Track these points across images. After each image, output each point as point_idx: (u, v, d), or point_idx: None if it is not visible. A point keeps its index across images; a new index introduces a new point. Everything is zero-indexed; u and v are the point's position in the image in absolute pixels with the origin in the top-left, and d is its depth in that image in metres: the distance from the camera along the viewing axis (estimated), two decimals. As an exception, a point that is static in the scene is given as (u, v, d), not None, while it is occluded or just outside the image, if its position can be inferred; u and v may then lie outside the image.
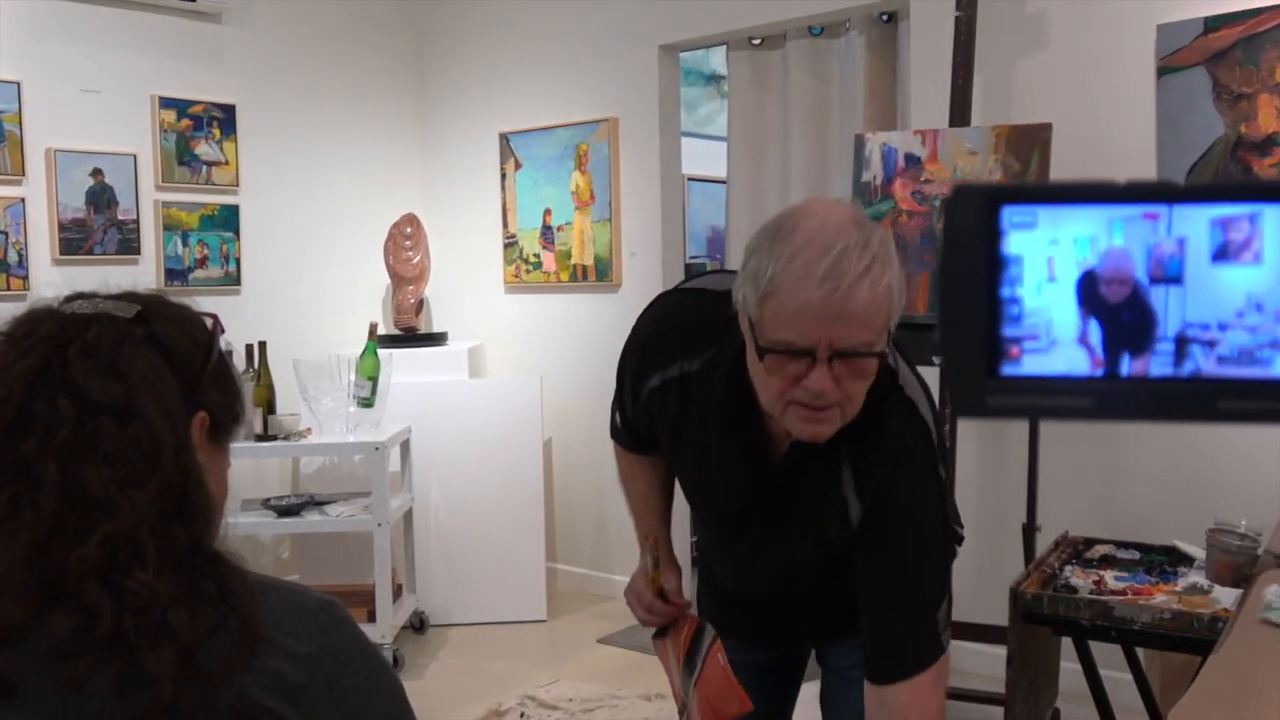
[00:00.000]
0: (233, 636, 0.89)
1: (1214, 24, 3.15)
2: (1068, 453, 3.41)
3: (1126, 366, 0.41)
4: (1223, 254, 0.41)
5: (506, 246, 5.00)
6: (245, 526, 3.99)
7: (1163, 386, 0.41)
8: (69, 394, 0.91)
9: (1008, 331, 0.41)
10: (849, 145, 3.70)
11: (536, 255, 4.89)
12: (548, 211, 4.83)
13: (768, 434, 1.53)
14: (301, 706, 0.92)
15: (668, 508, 1.83)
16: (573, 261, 4.77)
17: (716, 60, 6.05)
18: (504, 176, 4.98)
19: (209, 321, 1.05)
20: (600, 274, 4.66)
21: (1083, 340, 0.41)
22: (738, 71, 4.39)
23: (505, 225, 4.99)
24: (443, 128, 5.25)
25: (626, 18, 4.50)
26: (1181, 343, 0.41)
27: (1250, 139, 3.12)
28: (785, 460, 1.53)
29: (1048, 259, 0.41)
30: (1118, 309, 0.40)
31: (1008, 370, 0.41)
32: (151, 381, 0.95)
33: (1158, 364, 0.41)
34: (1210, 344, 0.40)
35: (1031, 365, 0.41)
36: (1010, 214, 0.41)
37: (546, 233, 4.85)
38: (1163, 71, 3.24)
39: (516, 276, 4.98)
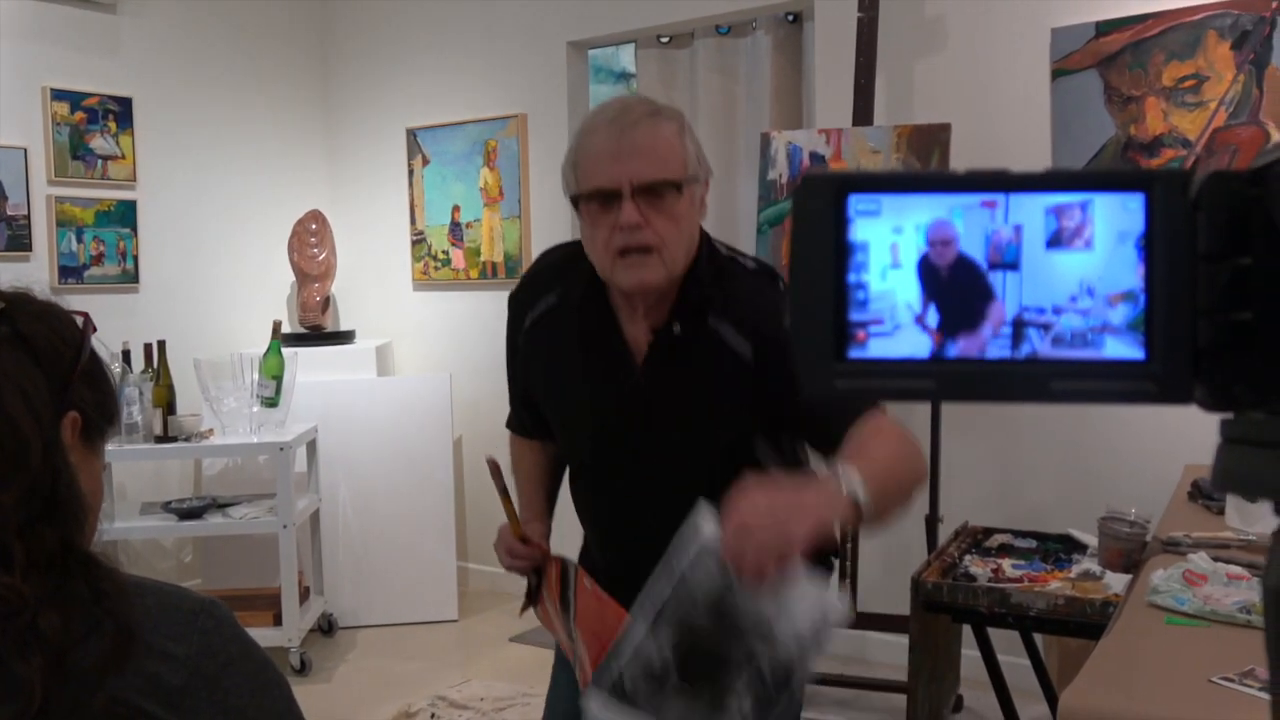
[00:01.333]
0: (106, 639, 0.87)
1: (1105, 29, 3.25)
2: (969, 445, 3.49)
3: (966, 349, 0.42)
4: (1056, 240, 0.42)
5: (414, 243, 4.95)
6: (146, 530, 3.89)
7: (1000, 368, 0.42)
8: None
9: (854, 316, 0.42)
10: (755, 143, 3.74)
11: (445, 252, 4.85)
12: (456, 208, 4.80)
13: (627, 342, 1.59)
14: (181, 709, 0.91)
15: (554, 485, 1.86)
16: (482, 259, 4.74)
17: (626, 58, 6.06)
18: (411, 172, 4.93)
19: (79, 319, 1.03)
20: (510, 271, 4.64)
21: (922, 322, 0.42)
22: (646, 69, 4.40)
23: (413, 222, 4.94)
24: (349, 122, 5.17)
25: (535, 14, 4.48)
26: (1018, 326, 0.42)
27: (1139, 140, 3.23)
28: (647, 361, 1.57)
29: (892, 245, 0.42)
30: (952, 285, 0.42)
31: (854, 353, 0.42)
32: (15, 380, 0.92)
33: (996, 346, 0.42)
34: (1045, 327, 0.42)
35: (877, 349, 0.42)
36: (856, 202, 0.42)
37: (455, 229, 4.81)
38: (1056, 74, 3.34)
39: (425, 274, 4.93)
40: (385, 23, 4.99)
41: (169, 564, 4.56)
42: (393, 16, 4.96)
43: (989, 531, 2.86)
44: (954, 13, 3.54)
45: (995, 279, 0.42)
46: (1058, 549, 2.71)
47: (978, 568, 2.55)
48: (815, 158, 3.36)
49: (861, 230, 0.42)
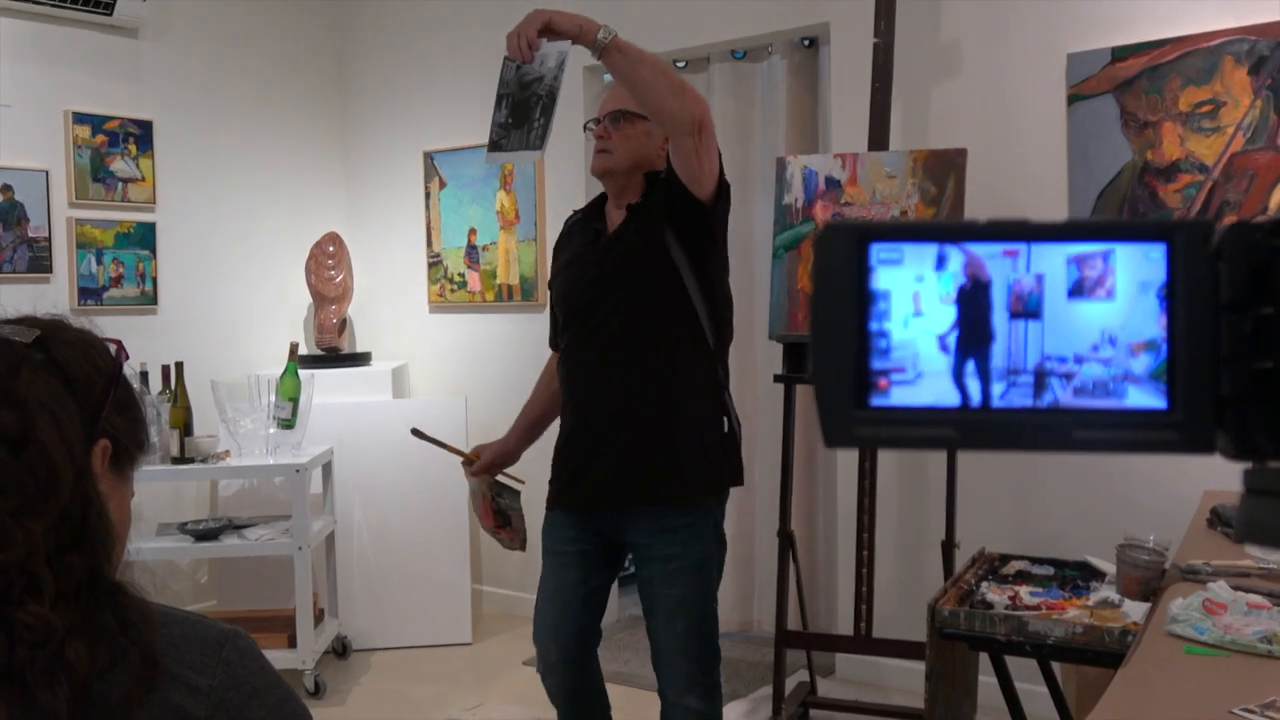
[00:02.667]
0: (132, 669, 0.88)
1: (1121, 54, 3.26)
2: (985, 470, 3.48)
3: (988, 398, 0.42)
4: (1078, 290, 0.43)
5: (431, 266, 4.97)
6: (162, 551, 3.91)
7: (1022, 417, 0.42)
8: None
9: (876, 364, 0.43)
10: (771, 167, 3.75)
11: (461, 275, 4.87)
12: (472, 231, 4.82)
13: (607, 218, 2.47)
14: None
15: (546, 410, 2.65)
16: (498, 281, 4.75)
17: (643, 81, 6.10)
18: (428, 195, 4.96)
19: (112, 347, 1.03)
20: (525, 294, 4.65)
21: (946, 373, 0.42)
22: (662, 93, 4.42)
23: (429, 244, 4.97)
24: (366, 146, 5.21)
25: (552, 38, 4.51)
26: (1040, 375, 0.42)
27: (1156, 165, 3.23)
28: (619, 227, 2.41)
29: (914, 294, 0.43)
30: (975, 331, 0.42)
31: (876, 401, 0.43)
32: (49, 408, 0.93)
33: (1018, 395, 0.42)
34: (1067, 376, 0.42)
35: (899, 397, 0.43)
36: (878, 251, 0.42)
37: (471, 252, 4.83)
38: (1073, 99, 3.34)
39: (441, 296, 4.95)
40: (402, 48, 5.03)
41: (184, 585, 4.57)
42: (410, 40, 5.00)
43: (1006, 558, 2.84)
44: (970, 38, 3.54)
45: (1017, 328, 0.42)
46: (1075, 576, 2.69)
47: (995, 595, 2.54)
48: (830, 182, 3.36)
49: (883, 279, 0.42)
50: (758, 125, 4.21)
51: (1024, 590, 2.58)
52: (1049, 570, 2.74)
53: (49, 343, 0.97)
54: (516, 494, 2.74)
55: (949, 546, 3.24)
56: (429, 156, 4.93)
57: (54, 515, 0.89)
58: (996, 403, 0.42)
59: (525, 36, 2.12)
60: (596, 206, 2.50)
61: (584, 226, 2.50)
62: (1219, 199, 3.15)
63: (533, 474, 2.72)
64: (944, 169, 3.21)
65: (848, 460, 3.69)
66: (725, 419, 2.41)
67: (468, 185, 4.82)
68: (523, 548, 2.79)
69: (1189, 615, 1.79)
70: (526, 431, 2.67)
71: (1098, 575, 2.67)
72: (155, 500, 4.40)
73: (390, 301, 5.13)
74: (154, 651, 0.90)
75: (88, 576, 0.90)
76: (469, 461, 2.69)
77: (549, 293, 2.56)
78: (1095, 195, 3.32)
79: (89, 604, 0.89)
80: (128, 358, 1.05)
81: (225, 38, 4.79)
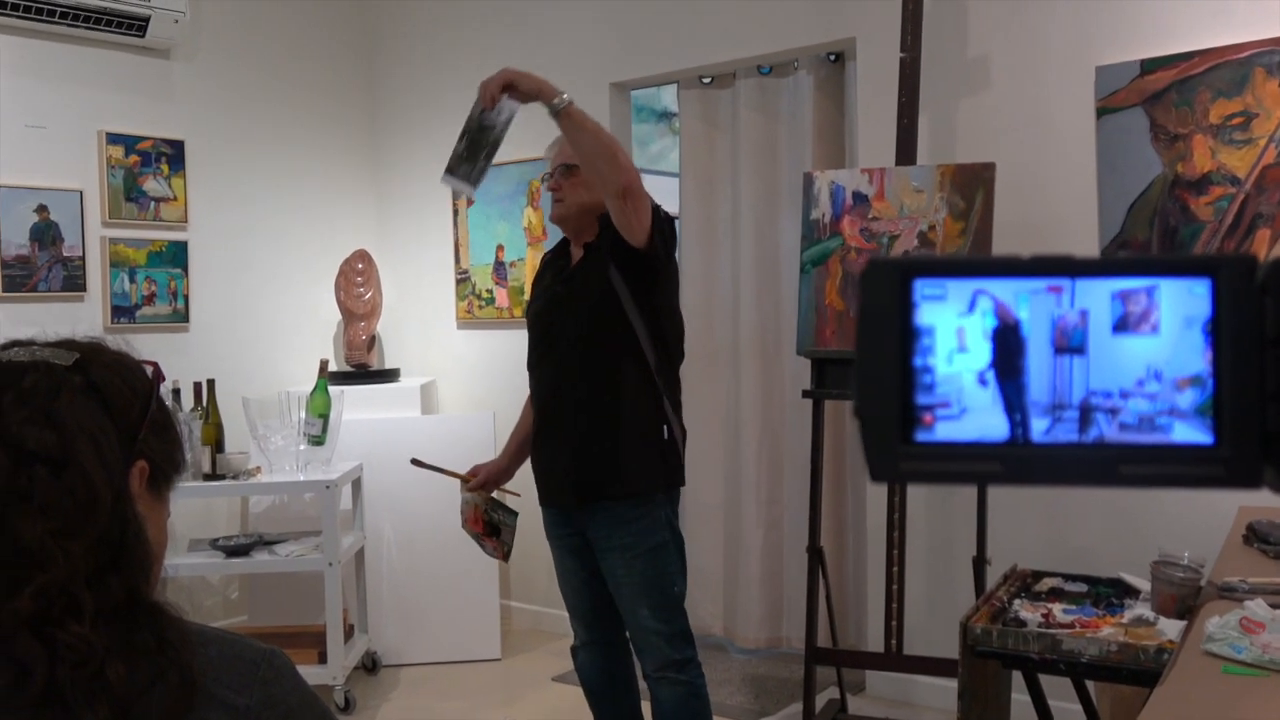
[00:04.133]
0: (170, 689, 0.89)
1: (1150, 66, 3.24)
2: (1016, 487, 3.45)
3: (1033, 433, 0.43)
4: (1123, 325, 0.43)
5: (459, 282, 5.00)
6: (193, 567, 3.94)
7: (1068, 452, 0.42)
8: (2, 443, 0.90)
9: (921, 399, 0.43)
10: (798, 182, 3.75)
11: (489, 291, 4.89)
12: (500, 247, 4.84)
13: (571, 255, 2.82)
14: None
15: (532, 422, 2.93)
16: (525, 297, 4.77)
17: (668, 98, 6.12)
18: (456, 213, 4.98)
19: (149, 369, 1.05)
20: (553, 310, 4.67)
21: (991, 408, 0.43)
22: (688, 109, 4.44)
23: (457, 261, 5.00)
24: (394, 163, 5.25)
25: (578, 57, 4.53)
26: (1086, 410, 0.42)
27: (1186, 178, 3.20)
28: (577, 263, 2.77)
29: (958, 329, 0.43)
30: (1016, 367, 0.42)
31: (921, 436, 0.43)
32: (89, 430, 0.94)
33: (1063, 430, 0.42)
34: (1113, 411, 0.42)
35: (944, 432, 0.43)
36: (922, 286, 0.43)
37: (499, 269, 4.85)
38: (1102, 112, 3.32)
39: (469, 312, 4.97)
40: (429, 64, 5.07)
41: (215, 600, 4.60)
42: (436, 58, 5.04)
43: (1038, 575, 2.82)
44: (997, 52, 3.54)
45: (1062, 364, 0.42)
46: (1109, 593, 2.67)
47: (1028, 612, 2.52)
48: (858, 197, 3.36)
49: (927, 314, 0.42)
50: (784, 140, 4.21)
51: (1057, 607, 2.56)
52: (1082, 587, 2.72)
53: (88, 366, 0.98)
54: (514, 513, 3.09)
55: (980, 562, 3.21)
56: (457, 174, 4.96)
57: (93, 536, 0.91)
58: (1042, 438, 0.42)
59: (490, 89, 2.48)
60: (565, 244, 2.89)
61: (554, 261, 2.90)
62: (1251, 211, 3.13)
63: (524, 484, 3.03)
64: (972, 183, 3.21)
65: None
66: (665, 426, 2.73)
67: (495, 203, 4.84)
68: (505, 559, 3.13)
69: (1226, 634, 1.77)
70: (517, 451, 3.04)
71: (1132, 592, 2.65)
72: (187, 516, 4.43)
73: (419, 318, 5.16)
74: (192, 671, 0.91)
75: (126, 596, 0.91)
76: (466, 480, 3.06)
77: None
78: (1125, 208, 3.30)
79: (128, 624, 0.90)
80: (164, 379, 1.07)
81: (256, 59, 4.84)
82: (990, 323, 0.43)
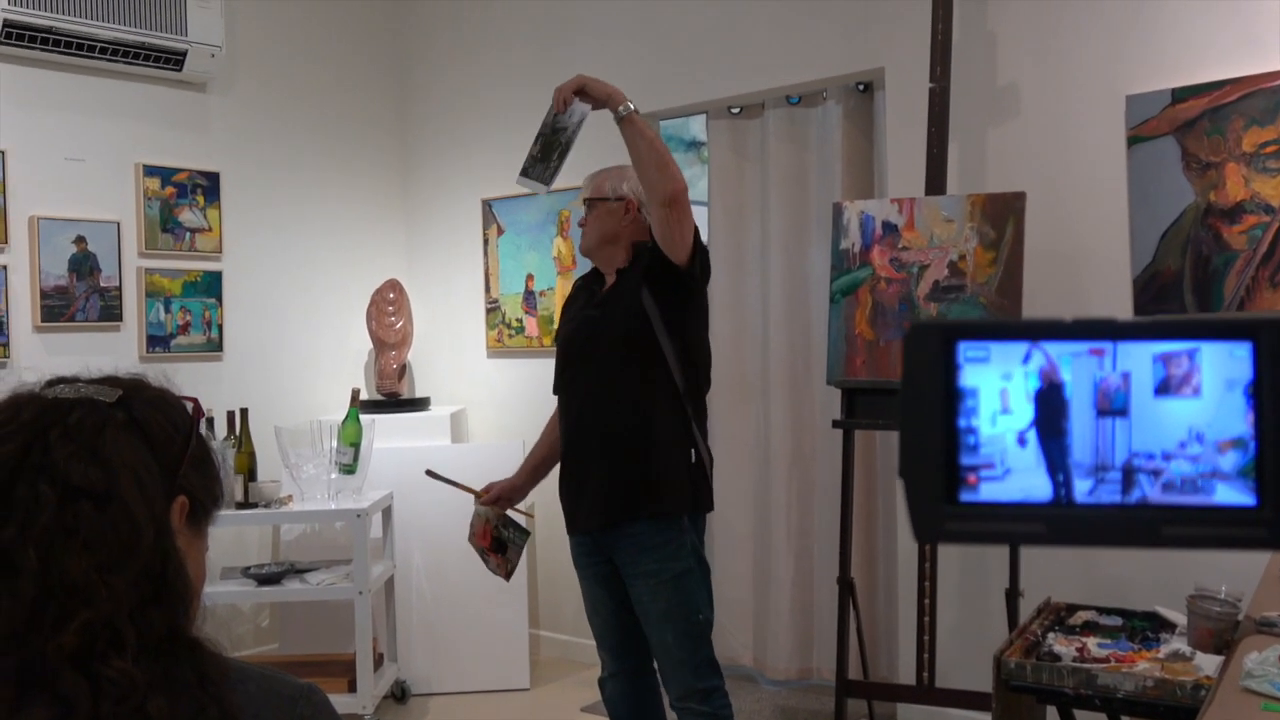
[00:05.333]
0: None
1: (1181, 95, 3.23)
2: (1049, 516, 3.42)
3: (1076, 493, 0.43)
4: (1165, 388, 0.43)
5: (489, 311, 5.03)
6: (225, 595, 3.96)
7: (1111, 513, 0.43)
8: (50, 479, 0.92)
9: (965, 460, 0.44)
10: (827, 212, 3.76)
11: (519, 320, 4.92)
12: (530, 277, 4.88)
13: (605, 280, 2.89)
14: None
15: (550, 454, 3.04)
16: (555, 326, 4.79)
17: (697, 127, 6.14)
18: (486, 242, 5.02)
19: (189, 405, 1.07)
20: (582, 338, 4.69)
21: (1035, 469, 0.43)
22: (717, 139, 4.46)
23: (488, 290, 5.03)
24: (425, 193, 5.30)
25: (608, 87, 4.56)
26: (1128, 471, 0.43)
27: (1219, 206, 3.19)
28: (610, 287, 2.86)
29: (1001, 391, 0.44)
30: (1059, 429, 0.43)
31: (965, 497, 0.44)
32: (132, 466, 0.96)
33: (1106, 491, 0.43)
34: (1155, 473, 0.43)
35: (988, 492, 0.43)
36: (965, 349, 0.44)
37: (529, 298, 4.88)
38: (1133, 141, 3.32)
39: (499, 341, 5.00)
40: (460, 95, 5.12)
41: (246, 628, 4.63)
42: (467, 89, 5.09)
43: (1072, 608, 2.79)
44: (1027, 81, 3.54)
45: (1104, 426, 0.43)
46: (1145, 627, 2.64)
47: (1062, 646, 2.49)
48: (887, 226, 3.37)
49: (971, 376, 0.43)
50: (813, 170, 4.22)
51: (1092, 641, 2.54)
52: (1117, 621, 2.69)
53: (130, 402, 1.00)
54: (525, 533, 3.13)
55: (1013, 595, 3.19)
56: (487, 204, 5.00)
57: (136, 571, 0.92)
58: (1085, 499, 0.42)
59: (563, 93, 2.63)
60: (597, 271, 2.97)
61: (586, 286, 2.98)
62: (1286, 241, 3.11)
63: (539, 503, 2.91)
64: (1003, 212, 3.21)
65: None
66: (693, 450, 2.77)
67: (525, 232, 4.88)
68: (506, 578, 3.18)
69: (1265, 670, 1.75)
70: (532, 471, 3.10)
71: (1168, 626, 2.62)
72: (219, 544, 4.46)
73: (449, 347, 5.19)
74: (232, 707, 0.92)
75: (167, 631, 0.93)
76: (480, 495, 3.10)
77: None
78: (1157, 237, 3.28)
79: (169, 659, 0.91)
80: (204, 415, 1.08)
81: (290, 92, 4.91)
82: (1034, 384, 0.44)
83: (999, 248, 3.20)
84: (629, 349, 2.74)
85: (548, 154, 2.70)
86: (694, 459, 2.76)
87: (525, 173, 2.73)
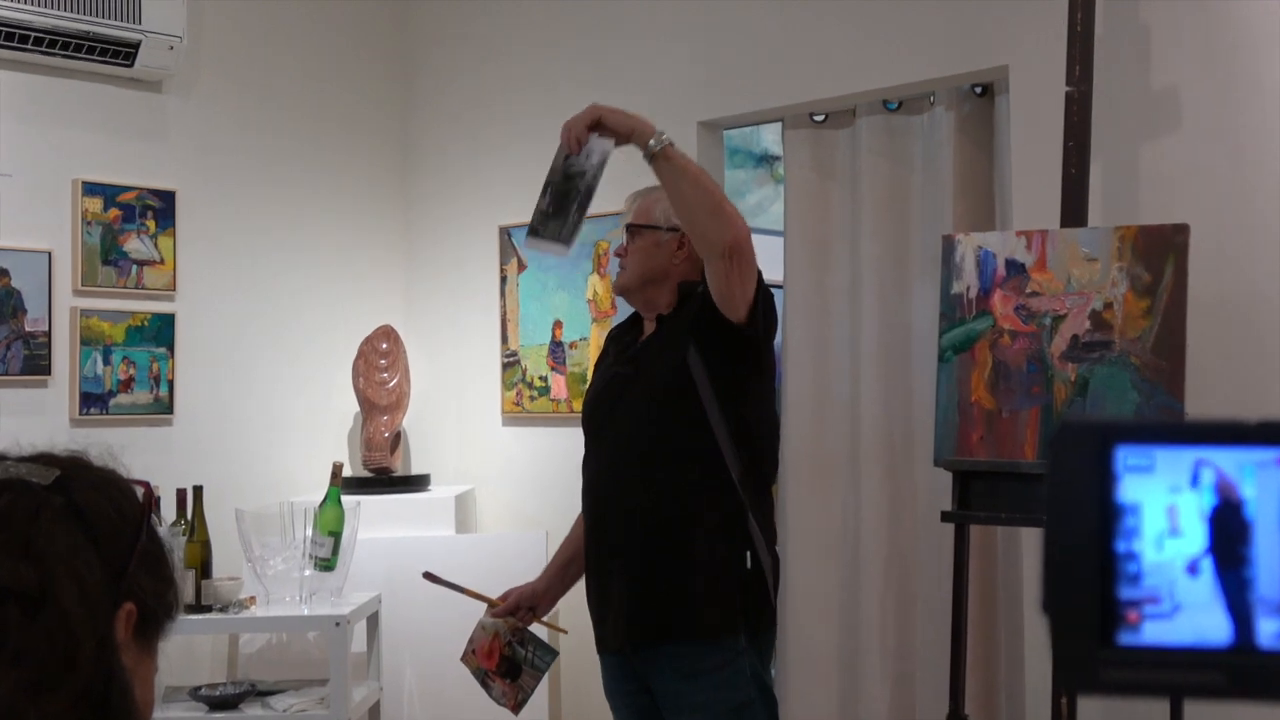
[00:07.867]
0: None
1: (1389, 103, 3.23)
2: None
3: (1261, 637, 0.44)
4: (1373, 506, 0.44)
5: (506, 367, 5.06)
6: (168, 723, 3.98)
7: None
8: None
9: (1125, 593, 0.45)
10: (935, 246, 3.76)
11: (543, 378, 4.95)
12: (558, 324, 4.91)
13: (643, 329, 2.91)
14: None
15: (575, 553, 3.00)
16: (586, 387, 4.82)
17: (769, 138, 6.19)
18: (504, 280, 5.07)
19: (140, 491, 1.09)
20: (623, 403, 4.71)
21: (1212, 605, 0.44)
22: (795, 153, 4.49)
23: (505, 340, 5.07)
24: (430, 219, 5.36)
25: (659, 92, 4.60)
26: (1333, 610, 0.44)
27: None
28: (647, 337, 2.87)
29: (1169, 508, 0.45)
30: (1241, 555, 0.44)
31: (1125, 639, 0.44)
32: (70, 563, 0.98)
33: (1302, 634, 0.44)
34: (1364, 612, 0.44)
35: (1153, 633, 0.44)
36: (1125, 455, 0.45)
37: (556, 350, 4.91)
38: (1327, 161, 3.30)
39: (518, 404, 5.03)
40: (477, 101, 5.18)
41: (194, 764, 4.64)
42: (486, 94, 5.15)
43: None
44: (1190, 84, 3.53)
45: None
46: None
47: None
48: (1013, 266, 3.37)
49: (1132, 489, 0.44)
50: (916, 193, 4.24)
51: None
52: None
53: (70, 485, 1.03)
54: (551, 653, 3.05)
55: None
56: (505, 232, 5.05)
57: (74, 692, 0.94)
58: (1272, 643, 0.43)
59: (574, 130, 2.55)
60: (636, 318, 2.97)
61: (620, 337, 3.00)
62: None
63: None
64: (1160, 249, 3.20)
65: (1037, 618, 3.62)
66: (750, 552, 2.70)
67: (553, 268, 4.91)
68: (515, 710, 3.08)
69: None
70: (560, 572, 3.05)
71: None
72: (162, 657, 4.48)
73: (455, 411, 5.23)
74: None
75: None
76: (495, 605, 3.04)
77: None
78: (1360, 284, 3.26)
79: None
80: (157, 501, 1.11)
81: (266, 92, 4.99)
82: (1209, 501, 0.45)
83: (1155, 294, 3.19)
84: (667, 417, 2.72)
85: (563, 206, 2.61)
86: (750, 563, 2.73)
87: (535, 232, 2.64)
